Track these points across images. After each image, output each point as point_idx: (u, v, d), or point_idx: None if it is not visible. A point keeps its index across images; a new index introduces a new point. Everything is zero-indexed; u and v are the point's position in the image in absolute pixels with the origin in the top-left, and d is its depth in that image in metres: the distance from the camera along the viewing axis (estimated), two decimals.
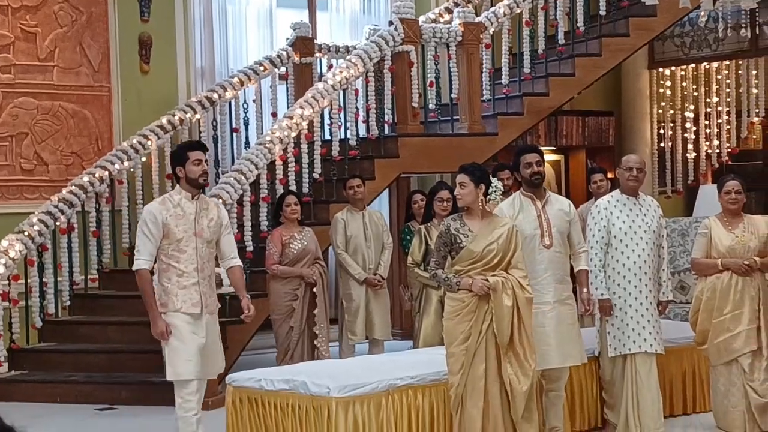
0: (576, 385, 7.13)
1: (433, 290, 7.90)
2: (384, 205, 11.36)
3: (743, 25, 11.40)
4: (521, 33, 10.60)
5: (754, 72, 12.41)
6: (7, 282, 8.85)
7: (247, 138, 10.38)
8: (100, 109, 10.22)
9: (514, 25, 10.72)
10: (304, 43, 10.59)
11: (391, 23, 10.05)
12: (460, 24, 10.21)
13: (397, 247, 9.74)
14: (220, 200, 8.73)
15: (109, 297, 9.56)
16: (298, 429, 6.16)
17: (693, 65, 12.89)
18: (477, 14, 10.70)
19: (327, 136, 9.78)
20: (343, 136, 9.76)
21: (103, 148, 10.11)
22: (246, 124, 10.38)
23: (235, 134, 10.41)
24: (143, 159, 9.84)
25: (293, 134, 9.22)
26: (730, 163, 12.87)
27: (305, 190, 9.33)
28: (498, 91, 10.49)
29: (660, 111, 13.12)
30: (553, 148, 12.81)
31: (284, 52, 10.52)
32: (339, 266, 8.94)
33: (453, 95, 10.26)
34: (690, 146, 12.97)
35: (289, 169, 9.25)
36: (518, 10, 10.53)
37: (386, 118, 9.95)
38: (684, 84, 12.99)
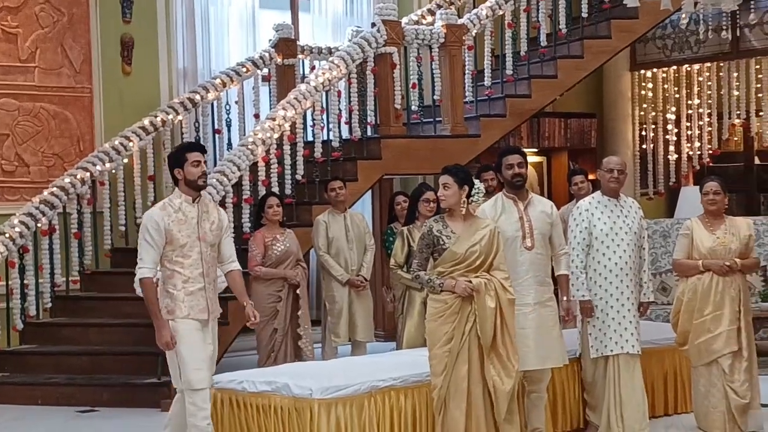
0: (558, 386, 7.15)
1: (416, 292, 7.90)
2: (367, 206, 11.36)
3: (724, 27, 11.47)
4: (504, 35, 10.62)
5: (735, 74, 12.47)
6: None
7: (229, 139, 10.37)
8: (82, 111, 10.18)
9: (497, 27, 10.74)
10: (286, 45, 10.58)
11: (373, 25, 10.05)
12: (442, 26, 10.22)
13: (380, 249, 9.74)
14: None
15: (91, 299, 9.53)
16: (280, 431, 6.15)
17: (674, 67, 12.94)
18: (459, 16, 10.71)
19: (309, 138, 9.77)
20: (325, 138, 9.76)
21: (85, 150, 10.06)
22: (228, 126, 10.36)
23: (217, 135, 10.40)
24: (125, 160, 9.81)
25: (276, 136, 9.20)
26: (711, 164, 12.93)
27: (288, 191, 9.32)
28: (480, 93, 10.50)
29: (642, 113, 13.16)
30: (536, 149, 12.84)
31: (267, 54, 10.51)
32: (321, 268, 8.93)
33: (435, 97, 10.28)
34: (671, 148, 13.02)
35: (271, 170, 9.24)
36: (501, 12, 10.55)
37: (369, 119, 9.96)
38: (665, 86, 13.04)
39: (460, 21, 10.39)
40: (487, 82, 10.49)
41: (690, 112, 12.90)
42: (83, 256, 9.65)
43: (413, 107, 10.36)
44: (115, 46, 10.33)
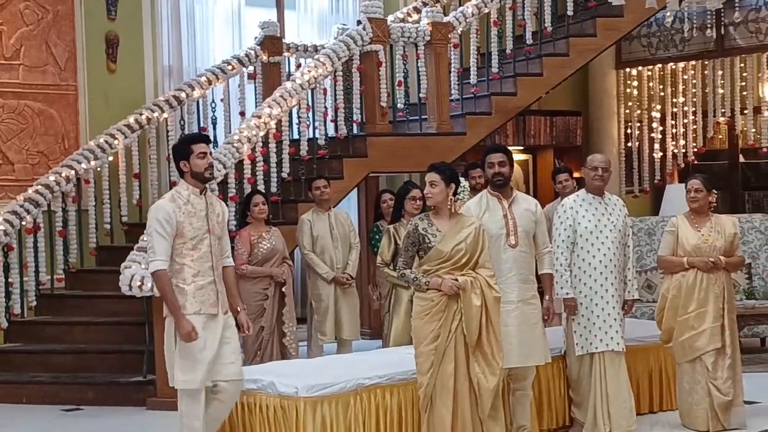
0: (543, 383, 7.16)
1: (403, 290, 7.91)
2: (353, 204, 11.36)
3: (709, 26, 11.52)
4: (489, 33, 10.63)
5: (719, 72, 12.51)
6: None
7: (215, 137, 10.34)
8: (67, 108, 10.15)
9: (483, 25, 10.75)
10: (272, 43, 10.58)
11: (359, 23, 10.05)
12: (428, 24, 10.23)
13: (366, 247, 9.74)
14: None
15: (76, 297, 9.50)
16: (266, 429, 6.14)
17: (659, 65, 12.97)
18: (445, 14, 10.71)
19: (295, 136, 9.77)
20: (311, 136, 9.75)
21: (70, 147, 10.04)
22: (214, 124, 10.35)
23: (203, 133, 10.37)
24: (110, 158, 9.79)
25: (261, 133, 9.19)
26: (696, 162, 12.97)
27: (273, 189, 9.31)
28: (466, 91, 10.51)
29: (627, 111, 13.20)
30: (521, 147, 12.86)
31: (252, 51, 10.51)
32: (307, 267, 8.93)
33: (421, 95, 10.28)
34: (656, 146, 13.06)
35: (257, 168, 9.23)
36: (486, 10, 10.56)
37: (355, 117, 9.95)
38: (650, 84, 13.07)
39: (445, 19, 10.39)
40: (472, 79, 10.50)
41: (675, 110, 12.93)
42: (68, 255, 9.62)
43: (399, 105, 10.36)
44: (99, 44, 10.30)
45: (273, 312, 8.37)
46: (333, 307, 8.74)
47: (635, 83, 13.14)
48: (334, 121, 10.02)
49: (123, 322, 8.96)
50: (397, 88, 10.29)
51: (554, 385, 7.25)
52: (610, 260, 6.98)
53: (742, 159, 13.16)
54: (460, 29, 10.45)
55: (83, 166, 9.57)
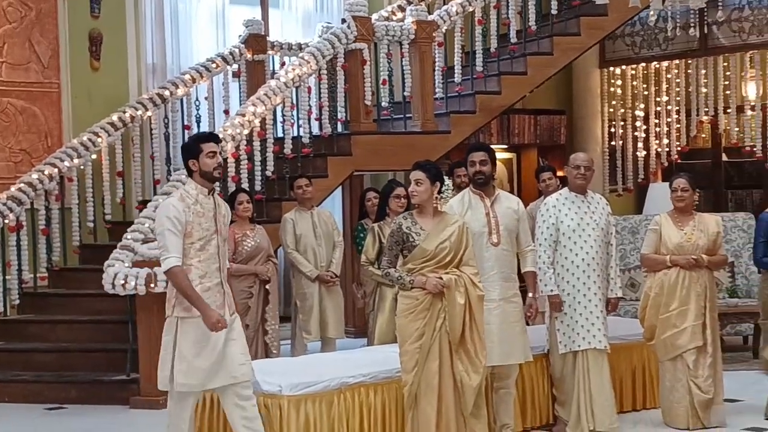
0: (527, 382, 7.18)
1: (387, 288, 7.91)
2: (337, 202, 11.36)
3: (692, 25, 11.54)
4: (474, 31, 10.64)
5: (703, 71, 12.55)
6: None
7: None
8: (50, 106, 10.12)
9: (467, 24, 10.76)
10: (256, 41, 10.56)
11: (343, 21, 10.05)
12: (412, 22, 10.23)
13: (351, 245, 9.74)
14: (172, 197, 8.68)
15: (59, 296, 9.47)
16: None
17: (643, 64, 13.01)
18: (430, 12, 10.72)
19: (280, 134, 9.75)
20: (295, 134, 9.74)
21: (53, 146, 10.00)
22: (198, 122, 10.33)
23: (186, 131, 10.35)
24: (93, 156, 9.76)
25: (245, 132, 9.18)
26: (679, 161, 13.01)
27: (258, 187, 9.30)
28: (450, 89, 10.52)
29: (611, 110, 13.23)
30: (506, 146, 12.87)
31: (236, 50, 10.48)
32: (291, 266, 8.93)
33: (406, 93, 10.28)
34: (640, 145, 13.09)
35: (241, 166, 9.21)
36: (471, 9, 10.56)
37: (339, 115, 9.95)
38: (634, 83, 13.11)
39: (430, 17, 10.40)
40: (457, 78, 10.51)
41: (658, 109, 12.97)
42: (51, 253, 9.59)
43: (383, 103, 10.36)
44: (83, 42, 10.27)
45: (258, 310, 8.37)
46: (318, 305, 8.74)
47: (619, 82, 13.17)
48: (319, 119, 10.02)
49: (106, 321, 8.93)
50: (381, 86, 10.29)
51: (538, 383, 7.27)
52: (593, 258, 7.00)
53: (725, 158, 13.20)
54: (445, 28, 10.46)
55: (66, 164, 9.54)
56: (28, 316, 9.41)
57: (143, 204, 9.54)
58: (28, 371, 8.80)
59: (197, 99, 10.34)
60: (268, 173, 9.43)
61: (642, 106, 13.05)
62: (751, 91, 12.20)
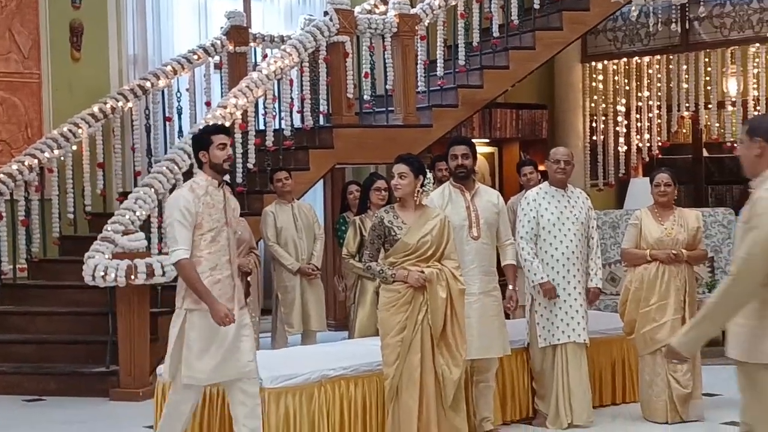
0: (507, 375, 7.19)
1: (368, 281, 7.91)
2: (319, 195, 11.35)
3: (674, 20, 11.57)
4: (456, 25, 10.64)
5: (684, 67, 12.58)
6: None
7: (180, 127, 10.30)
8: (30, 97, 10.06)
9: (449, 17, 10.76)
10: (238, 32, 10.53)
11: (326, 13, 10.03)
12: (395, 15, 10.22)
13: (332, 238, 9.73)
14: (152, 189, 8.66)
15: (39, 287, 9.42)
16: (229, 420, 6.12)
17: (625, 59, 13.04)
18: (412, 6, 10.70)
19: (261, 126, 9.73)
20: (277, 127, 9.72)
21: (33, 136, 9.94)
22: (179, 113, 10.30)
23: (168, 123, 10.33)
24: (74, 147, 9.71)
25: (227, 124, 9.15)
26: (660, 156, 13.05)
27: (239, 180, 9.28)
28: (433, 83, 10.52)
29: (592, 104, 13.26)
30: (487, 140, 12.88)
31: (218, 41, 10.46)
32: (272, 259, 8.91)
33: (388, 86, 10.28)
34: (621, 139, 13.12)
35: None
36: (453, 2, 10.56)
37: (321, 108, 9.94)
38: (616, 78, 13.14)
39: (412, 11, 10.39)
40: (439, 72, 10.51)
41: (640, 104, 13.00)
42: (31, 244, 9.54)
43: (366, 97, 10.35)
44: (64, 32, 10.21)
45: None
46: (299, 298, 8.73)
47: (600, 77, 13.19)
48: (301, 112, 10.00)
49: (86, 313, 8.90)
50: (363, 79, 10.28)
51: (518, 377, 7.29)
52: (573, 252, 7.03)
53: (705, 153, 13.25)
54: (427, 21, 10.45)
55: (46, 155, 9.49)
56: (8, 307, 9.36)
57: (124, 195, 9.50)
58: (7, 363, 8.76)
59: (178, 90, 10.31)
60: (250, 166, 9.41)
61: (623, 101, 13.08)
62: (732, 87, 12.25)
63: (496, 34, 10.76)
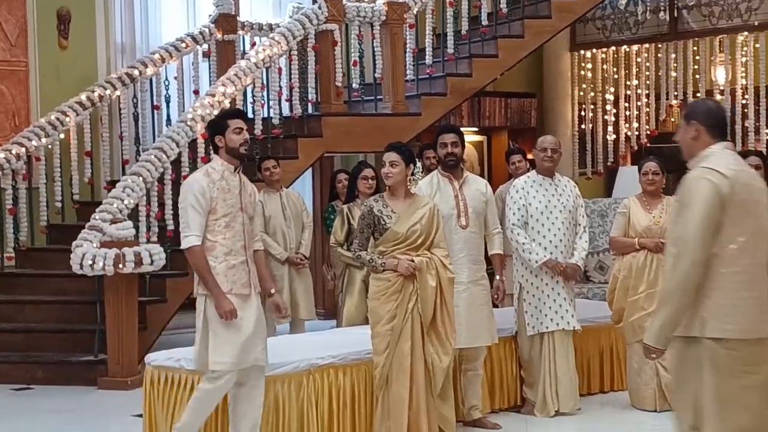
0: (495, 364, 7.21)
1: (356, 270, 7.91)
2: (308, 184, 11.33)
3: (662, 9, 11.59)
4: (445, 13, 10.62)
5: (672, 55, 12.59)
6: None
7: (168, 115, 10.27)
8: (18, 85, 10.01)
9: (438, 6, 10.73)
10: (226, 20, 10.49)
11: (315, 1, 10.01)
12: (384, 3, 10.19)
13: (321, 227, 9.72)
14: (140, 178, 8.64)
15: (27, 276, 9.39)
16: (217, 409, 6.11)
17: (613, 48, 13.04)
18: None
19: (250, 115, 9.69)
20: (266, 115, 9.70)
21: (20, 124, 9.90)
22: (167, 102, 10.26)
23: (156, 111, 10.30)
24: (61, 136, 9.67)
25: (215, 112, 9.12)
26: (648, 145, 13.06)
27: None
28: (422, 72, 10.50)
29: (581, 93, 13.26)
30: (476, 128, 12.88)
31: (206, 29, 10.41)
32: None
33: (377, 75, 10.26)
34: (610, 128, 13.13)
35: (211, 147, 9.16)
36: None
37: (310, 97, 9.91)
38: (604, 66, 13.14)
39: None
40: (428, 60, 10.48)
41: (628, 92, 13.01)
42: (18, 233, 9.50)
43: (354, 85, 10.33)
44: (51, 20, 10.16)
45: None
46: (288, 287, 8.72)
47: (589, 66, 13.20)
48: (289, 100, 9.98)
49: (74, 301, 8.88)
50: (352, 67, 10.26)
51: (506, 365, 7.30)
52: (561, 240, 7.05)
53: None
54: (416, 9, 10.43)
55: (34, 143, 9.45)
56: None
57: (111, 184, 9.48)
58: None
59: (167, 79, 10.27)
60: None
61: (612, 89, 13.09)
62: (720, 75, 12.26)
63: (485, 22, 10.74)
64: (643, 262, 7.20)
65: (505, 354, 7.29)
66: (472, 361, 6.77)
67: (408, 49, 10.41)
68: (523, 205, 7.08)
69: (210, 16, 10.56)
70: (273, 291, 6.06)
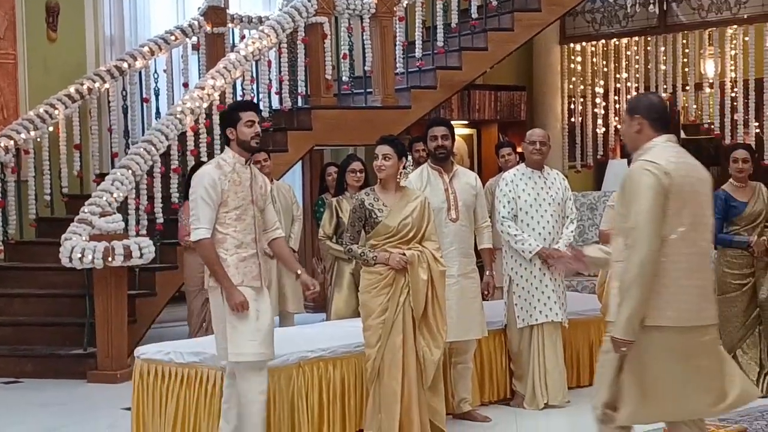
0: (485, 356, 7.22)
1: (345, 264, 7.91)
2: (297, 177, 11.32)
3: (652, 2, 11.60)
4: (435, 6, 10.62)
5: (662, 48, 12.61)
6: None
7: (157, 108, 10.24)
8: (6, 77, 9.97)
9: None
10: (216, 13, 10.46)
11: None
12: None
13: (311, 220, 9.71)
14: (129, 171, 8.62)
15: (15, 269, 9.37)
16: (207, 402, 6.11)
17: (603, 41, 13.05)
18: None
19: None
20: None
21: (9, 117, 9.86)
22: (157, 94, 10.23)
23: (145, 104, 10.27)
24: (50, 129, 9.64)
25: (205, 105, 9.12)
26: None
27: None
28: (411, 65, 10.50)
29: (571, 86, 13.28)
30: (466, 121, 12.89)
31: (196, 22, 10.39)
32: None
33: (366, 68, 10.25)
34: (599, 121, 13.15)
35: (200, 140, 9.16)
36: None
37: (299, 89, 9.90)
38: (594, 60, 13.15)
39: None
40: (418, 53, 10.49)
41: (618, 85, 13.02)
42: (7, 226, 9.48)
43: (344, 78, 10.33)
44: (40, 12, 10.12)
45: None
46: (276, 281, 8.71)
47: (579, 59, 13.21)
48: (279, 93, 9.98)
49: (63, 295, 8.87)
50: (342, 60, 10.25)
51: (496, 358, 7.31)
52: (549, 233, 7.07)
53: (683, 135, 13.28)
54: (406, 2, 10.42)
55: (23, 136, 9.42)
56: None
57: (101, 177, 9.45)
58: None
59: (156, 71, 10.24)
60: None
61: (602, 82, 13.10)
62: (709, 68, 12.28)
63: (474, 15, 10.74)
64: None
65: (495, 347, 7.29)
66: (462, 354, 6.78)
67: (398, 42, 10.41)
68: (513, 198, 7.09)
69: (199, 8, 10.53)
70: (299, 272, 6.00)
